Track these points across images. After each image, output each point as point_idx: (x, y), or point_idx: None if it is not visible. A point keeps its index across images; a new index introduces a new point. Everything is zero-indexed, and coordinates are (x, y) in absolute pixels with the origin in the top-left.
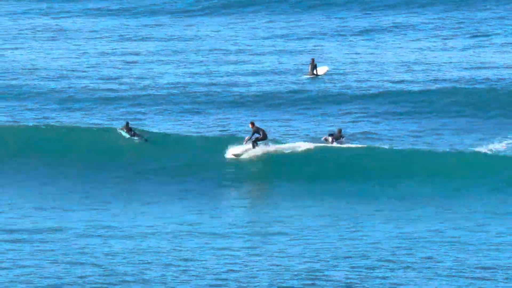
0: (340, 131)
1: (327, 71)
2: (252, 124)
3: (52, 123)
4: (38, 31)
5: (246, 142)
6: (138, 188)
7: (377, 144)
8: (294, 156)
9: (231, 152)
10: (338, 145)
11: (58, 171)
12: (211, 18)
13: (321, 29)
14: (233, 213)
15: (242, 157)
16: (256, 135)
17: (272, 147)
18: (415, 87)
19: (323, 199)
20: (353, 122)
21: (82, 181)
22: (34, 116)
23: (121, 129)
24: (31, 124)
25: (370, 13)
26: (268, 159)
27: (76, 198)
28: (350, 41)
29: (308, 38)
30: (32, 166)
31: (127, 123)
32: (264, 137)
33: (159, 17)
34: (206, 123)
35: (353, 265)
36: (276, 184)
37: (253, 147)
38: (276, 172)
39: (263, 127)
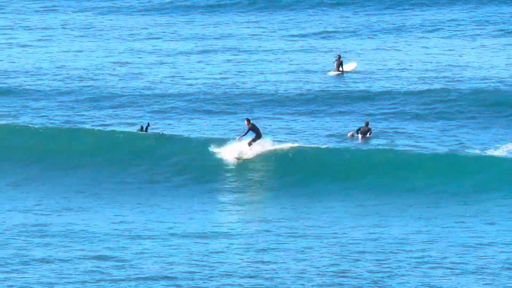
0: (367, 124)
1: (355, 67)
2: (248, 121)
3: (77, 125)
4: (67, 28)
5: (240, 139)
6: (164, 188)
7: (403, 142)
8: (318, 154)
9: (229, 152)
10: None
11: (85, 172)
12: (238, 15)
13: (349, 25)
14: (257, 212)
15: (242, 157)
16: (252, 134)
17: (287, 145)
18: (442, 85)
19: (350, 196)
20: (379, 119)
21: (109, 181)
22: (62, 114)
23: (138, 130)
24: (59, 124)
25: (399, 10)
26: (291, 157)
27: (103, 198)
28: (378, 38)
29: (335, 34)
30: (59, 166)
31: (142, 127)
32: (259, 136)
33: (188, 15)
34: (233, 122)
35: (381, 261)
36: (301, 181)
37: (249, 146)
38: (301, 170)
39: (260, 126)
